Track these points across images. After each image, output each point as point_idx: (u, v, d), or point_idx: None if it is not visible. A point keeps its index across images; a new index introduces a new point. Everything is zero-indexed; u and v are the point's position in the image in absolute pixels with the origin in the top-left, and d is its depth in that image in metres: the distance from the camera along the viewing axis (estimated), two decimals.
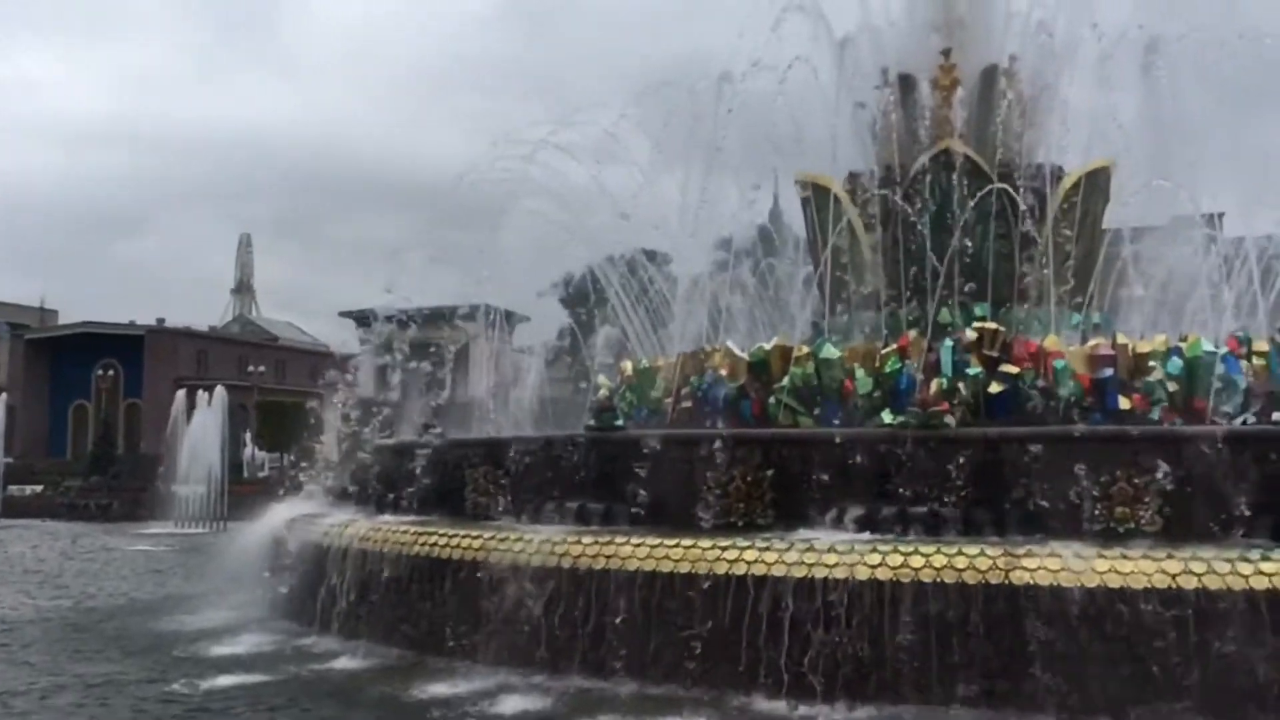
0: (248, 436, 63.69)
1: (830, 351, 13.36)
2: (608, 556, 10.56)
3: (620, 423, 13.40)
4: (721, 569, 10.10)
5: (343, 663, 11.94)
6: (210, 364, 77.80)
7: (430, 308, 21.78)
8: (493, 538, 11.48)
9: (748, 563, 10.02)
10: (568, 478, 12.25)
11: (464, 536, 11.72)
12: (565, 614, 10.70)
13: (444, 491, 13.57)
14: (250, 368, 70.95)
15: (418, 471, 13.85)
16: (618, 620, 10.43)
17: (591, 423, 13.02)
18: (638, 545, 10.57)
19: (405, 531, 12.53)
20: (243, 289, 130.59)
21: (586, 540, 10.88)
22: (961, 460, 10.67)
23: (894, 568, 9.59)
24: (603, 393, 15.30)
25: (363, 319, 50.95)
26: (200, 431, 44.66)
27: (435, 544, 11.88)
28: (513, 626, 10.92)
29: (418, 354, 17.27)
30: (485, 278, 17.50)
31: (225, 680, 11.12)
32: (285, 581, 14.36)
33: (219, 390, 46.50)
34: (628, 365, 16.00)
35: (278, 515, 16.05)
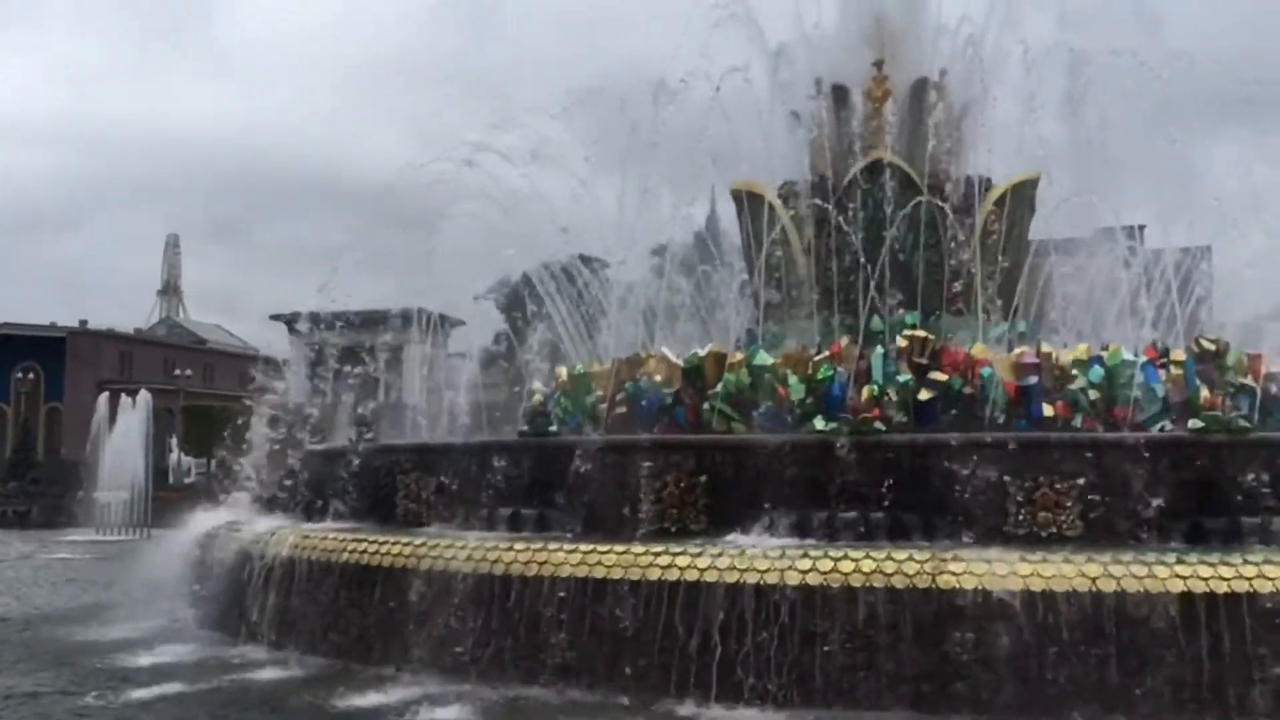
0: (173, 441, 62.23)
1: (764, 358, 13.46)
2: (540, 563, 10.52)
3: (554, 428, 13.36)
4: (654, 575, 10.12)
5: (268, 673, 11.71)
6: (135, 367, 75.82)
7: (363, 311, 21.52)
8: (424, 545, 11.38)
9: (680, 569, 10.06)
10: (501, 484, 12.18)
11: (394, 544, 11.59)
12: (497, 621, 10.63)
13: (375, 498, 13.41)
14: (177, 371, 69.27)
15: (347, 478, 13.66)
16: (550, 627, 10.40)
17: (525, 428, 12.96)
18: (571, 552, 10.56)
19: (334, 539, 12.35)
20: (170, 291, 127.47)
21: (519, 547, 10.83)
22: (891, 466, 10.83)
23: (824, 573, 9.69)
24: (537, 398, 15.26)
25: (294, 323, 50.11)
26: (124, 436, 43.49)
27: (364, 551, 11.73)
28: (443, 634, 10.82)
29: (349, 358, 17.03)
30: (420, 282, 17.34)
31: (144, 692, 10.82)
32: (210, 590, 14.05)
33: (143, 394, 45.34)
34: (563, 371, 15.96)
35: (203, 522, 15.70)
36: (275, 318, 62.93)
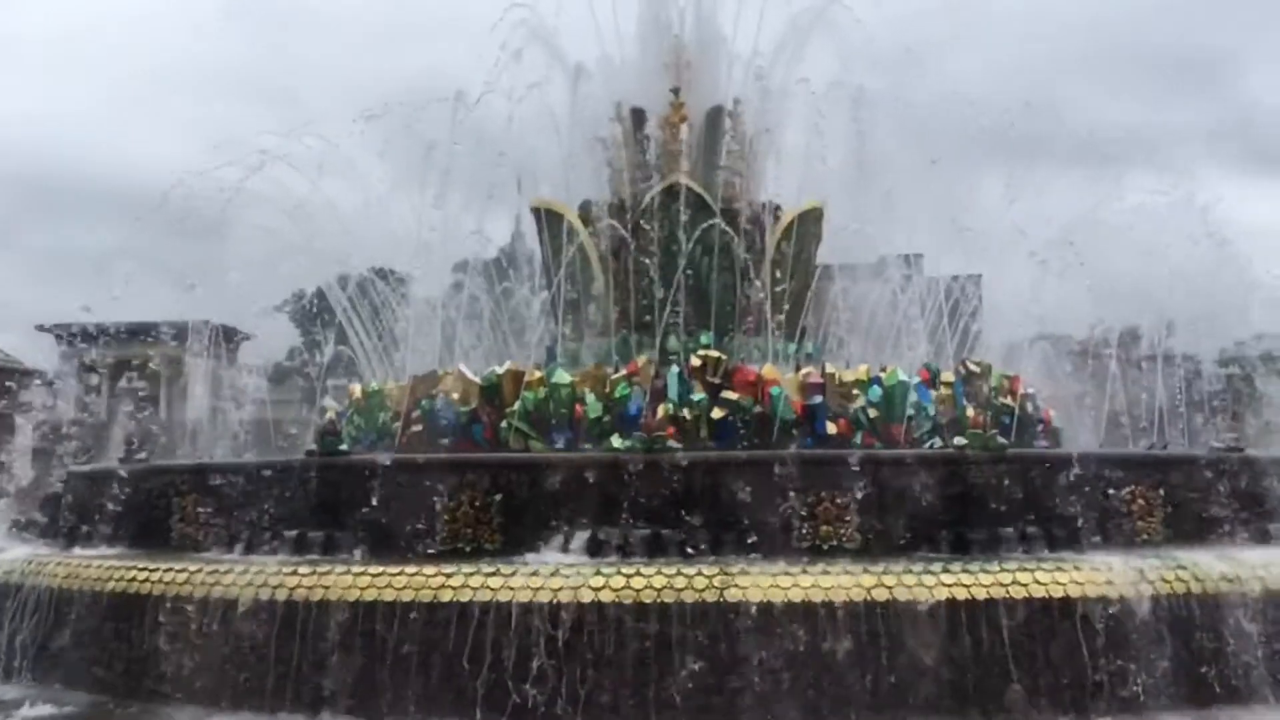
0: None
1: (561, 376, 13.54)
2: (326, 587, 10.15)
3: (345, 447, 12.96)
4: (446, 596, 9.96)
5: (26, 711, 10.87)
6: None
7: (139, 323, 20.25)
8: (199, 571, 10.78)
9: (473, 589, 9.93)
10: (286, 505, 11.67)
11: (166, 570, 10.94)
12: (279, 650, 10.19)
13: (146, 522, 12.60)
14: None
15: (115, 500, 12.78)
16: (336, 654, 10.05)
17: (314, 447, 12.50)
18: (359, 574, 10.24)
19: (99, 566, 11.57)
20: None
21: (303, 571, 10.41)
22: (684, 483, 11.06)
23: (616, 590, 9.79)
24: (329, 415, 14.78)
25: (63, 334, 46.53)
26: None
27: (133, 579, 11.02)
28: (220, 665, 10.29)
29: (122, 372, 15.98)
30: (201, 292, 16.47)
31: None
32: None
33: None
34: (356, 388, 15.52)
35: None
36: (42, 329, 58.24)
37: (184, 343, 18.08)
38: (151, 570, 11.07)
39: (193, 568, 10.94)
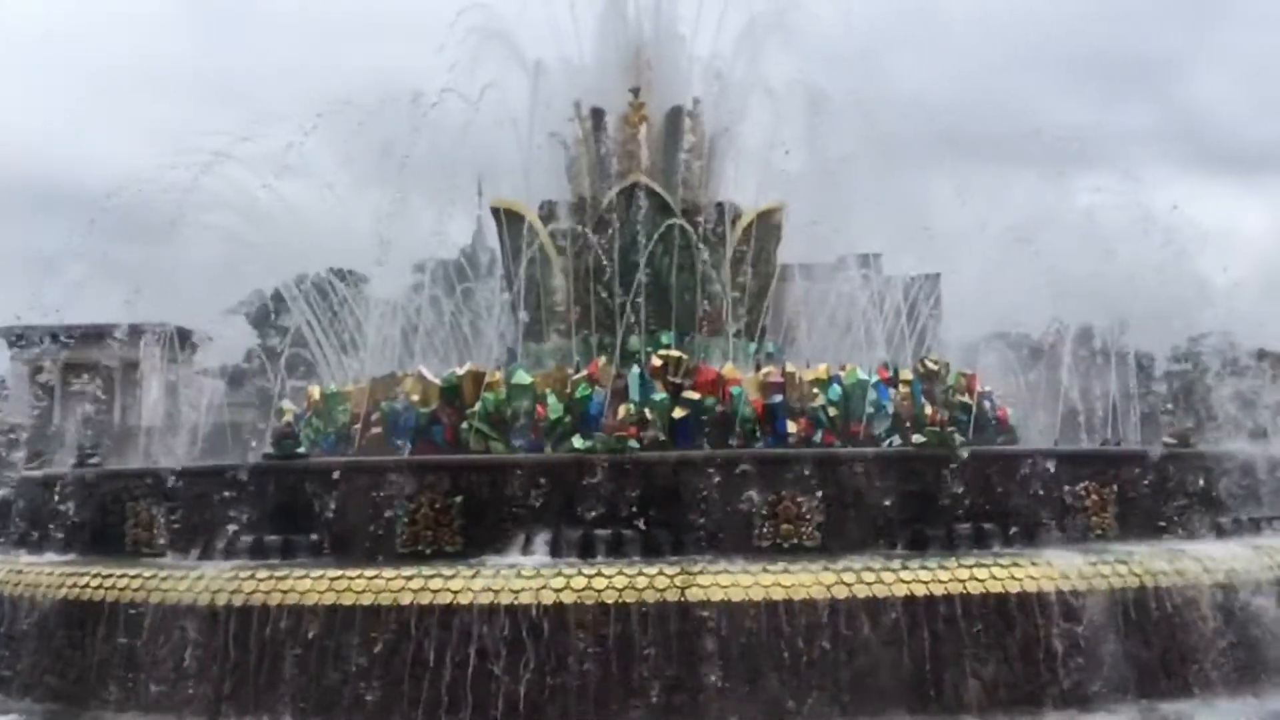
0: None
1: (522, 377, 13.48)
2: (284, 592, 10.06)
3: (303, 450, 12.82)
4: (406, 599, 9.90)
5: None
6: None
7: (92, 325, 19.89)
8: (154, 577, 10.65)
9: (433, 592, 9.88)
10: (243, 509, 11.53)
11: (121, 576, 10.80)
12: (237, 655, 10.08)
13: (100, 527, 12.40)
14: None
15: (69, 506, 12.57)
16: (295, 659, 9.96)
17: (271, 450, 12.37)
18: (317, 578, 10.15)
19: (51, 573, 11.37)
20: None
21: (261, 575, 10.30)
22: (645, 483, 11.06)
23: (578, 590, 9.78)
24: (286, 418, 14.62)
25: (15, 337, 45.66)
26: None
27: (87, 586, 10.87)
28: (176, 672, 10.17)
29: (75, 375, 15.71)
30: (158, 294, 16.23)
31: None
32: None
33: None
34: (314, 390, 15.35)
35: None
36: None
37: (138, 345, 17.82)
38: (105, 577, 10.92)
39: (147, 574, 10.80)
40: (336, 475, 11.36)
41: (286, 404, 15.38)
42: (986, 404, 15.31)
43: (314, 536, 11.17)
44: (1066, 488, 11.52)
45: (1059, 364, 16.66)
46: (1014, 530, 11.07)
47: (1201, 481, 12.50)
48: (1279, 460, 14.29)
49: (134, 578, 10.72)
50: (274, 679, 10.01)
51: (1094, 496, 11.61)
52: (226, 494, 11.65)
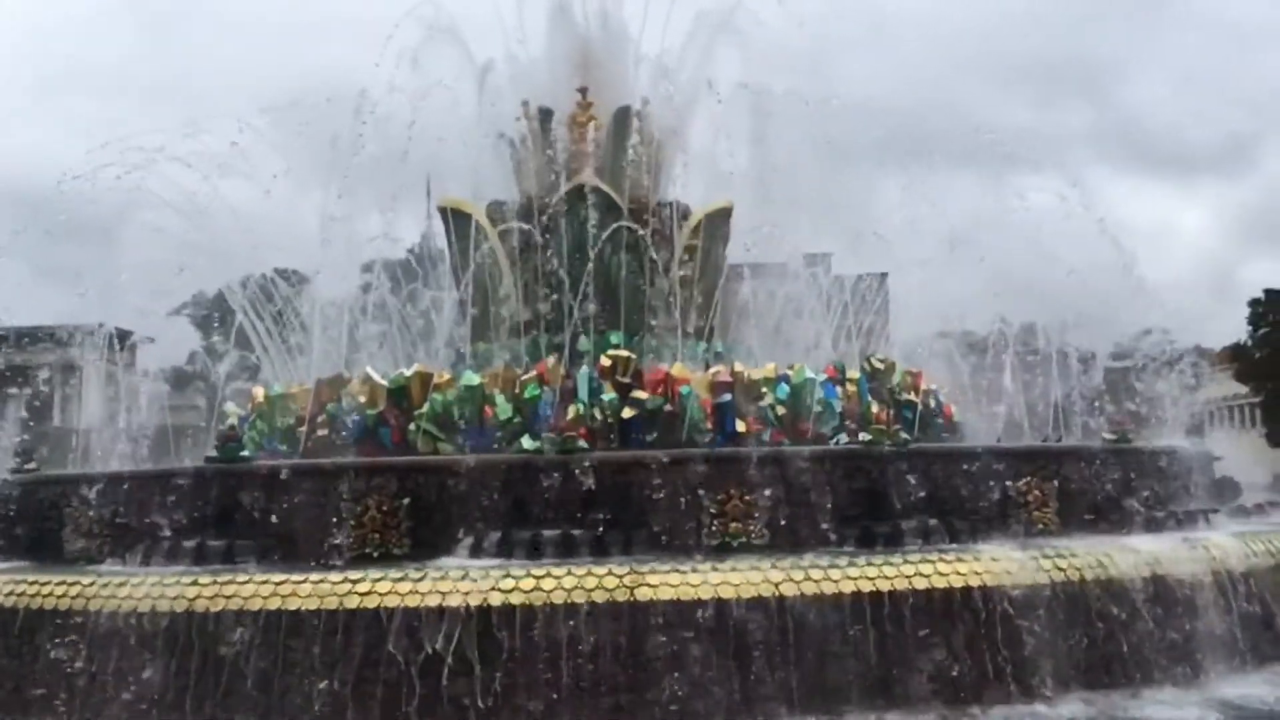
0: None
1: (470, 378, 13.41)
2: (227, 597, 9.89)
3: (247, 453, 12.64)
4: (353, 603, 9.78)
5: None
6: None
7: (29, 327, 19.41)
8: (93, 583, 10.41)
9: (380, 595, 9.77)
10: (185, 514, 11.35)
11: (58, 584, 10.53)
12: (179, 662, 9.89)
13: (38, 534, 12.14)
14: None
15: (5, 512, 12.27)
16: (239, 664, 9.80)
17: (214, 453, 12.17)
18: (261, 583, 10.00)
19: None
20: None
21: (204, 581, 10.12)
22: (593, 483, 11.06)
23: (527, 592, 9.74)
24: (230, 421, 14.41)
25: None
26: None
27: (21, 594, 10.58)
28: (118, 681, 9.94)
29: (10, 379, 15.33)
30: (97, 295, 15.92)
31: None
32: None
33: None
34: (259, 392, 15.13)
35: None
36: None
37: (77, 347, 17.44)
38: (42, 584, 10.65)
39: (85, 580, 10.55)
40: (282, 478, 11.21)
41: (230, 406, 15.16)
42: (932, 402, 15.50)
43: (259, 541, 11.02)
44: (1009, 484, 11.70)
45: (1003, 362, 16.94)
46: (959, 526, 11.22)
47: (1140, 476, 12.78)
48: (1213, 455, 14.67)
49: (71, 585, 10.47)
50: (219, 686, 9.83)
51: (1036, 492, 11.80)
52: (168, 499, 11.46)
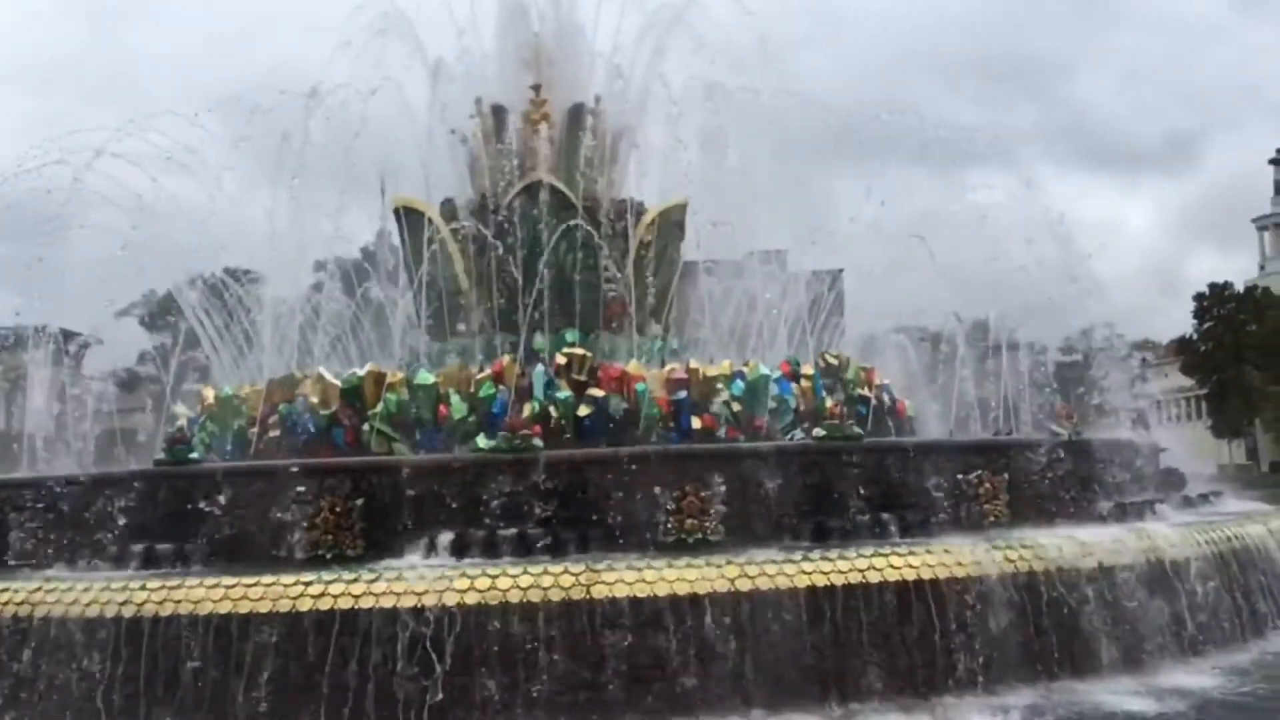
0: None
1: (425, 377, 13.34)
2: (177, 601, 9.73)
3: (196, 455, 12.46)
4: (306, 605, 9.67)
5: None
6: None
7: None
8: (38, 589, 10.19)
9: (334, 597, 9.67)
10: (133, 518, 11.16)
11: (4, 590, 10.29)
12: (129, 668, 9.73)
13: None
14: None
15: None
16: (190, 669, 9.65)
17: (162, 455, 11.99)
18: (212, 586, 9.84)
19: None
20: None
21: (152, 585, 9.95)
22: (549, 481, 11.02)
23: (482, 591, 9.68)
24: (180, 423, 14.19)
25: None
26: None
27: None
28: (63, 688, 9.76)
29: None
30: (39, 297, 15.60)
31: None
32: None
33: None
34: (208, 393, 14.92)
35: None
36: None
37: (21, 349, 17.10)
38: None
39: (31, 586, 10.34)
40: (233, 480, 11.06)
41: (179, 408, 14.95)
42: (885, 397, 15.65)
43: (209, 544, 10.87)
44: (960, 477, 11.83)
45: (955, 357, 17.13)
46: (912, 519, 11.33)
47: (1088, 468, 12.97)
48: (1159, 446, 14.94)
49: (16, 590, 10.25)
50: (169, 691, 9.68)
51: (987, 485, 11.94)
52: (116, 502, 11.27)
